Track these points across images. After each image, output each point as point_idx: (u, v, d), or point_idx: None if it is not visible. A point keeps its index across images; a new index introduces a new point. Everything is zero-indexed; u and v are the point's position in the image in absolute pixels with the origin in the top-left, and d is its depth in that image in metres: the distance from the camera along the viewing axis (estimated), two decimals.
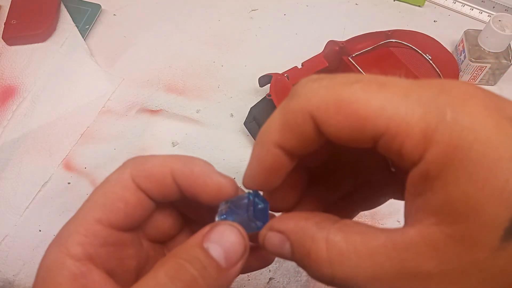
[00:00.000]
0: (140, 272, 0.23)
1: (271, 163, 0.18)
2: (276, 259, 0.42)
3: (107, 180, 0.21)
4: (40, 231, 0.43)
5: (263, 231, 0.19)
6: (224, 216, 0.20)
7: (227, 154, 0.49)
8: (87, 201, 0.21)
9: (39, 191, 0.46)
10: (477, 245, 0.14)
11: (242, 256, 0.19)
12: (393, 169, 0.21)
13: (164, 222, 0.24)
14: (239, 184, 0.22)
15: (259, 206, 0.20)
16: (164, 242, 0.25)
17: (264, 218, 0.20)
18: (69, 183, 0.46)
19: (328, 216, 0.18)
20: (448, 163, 0.14)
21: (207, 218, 0.22)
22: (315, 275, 0.17)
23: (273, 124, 0.18)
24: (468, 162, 0.14)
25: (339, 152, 0.21)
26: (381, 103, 0.15)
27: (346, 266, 0.16)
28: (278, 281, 0.41)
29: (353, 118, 0.15)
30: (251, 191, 0.21)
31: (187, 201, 0.22)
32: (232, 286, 0.41)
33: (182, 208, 0.24)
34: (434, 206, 0.14)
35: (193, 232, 0.22)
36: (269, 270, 0.42)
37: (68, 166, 0.48)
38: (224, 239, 0.19)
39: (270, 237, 0.19)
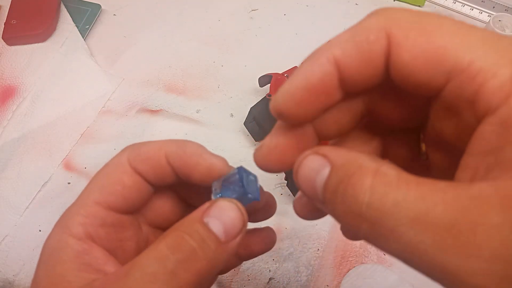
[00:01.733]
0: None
1: (319, 80, 0.16)
2: (276, 259, 0.42)
3: (106, 165, 0.22)
4: (40, 231, 0.43)
5: (306, 153, 0.17)
6: (220, 194, 0.21)
7: (227, 154, 0.48)
8: (88, 185, 0.22)
9: (39, 191, 0.46)
10: None
11: (241, 230, 0.20)
12: (423, 157, 0.19)
13: (163, 206, 0.25)
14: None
15: (250, 177, 0.21)
16: (164, 228, 0.25)
17: (255, 190, 0.21)
18: (69, 183, 0.46)
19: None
20: None
21: (205, 202, 0.23)
22: (345, 205, 0.14)
23: (339, 37, 0.16)
24: None
25: (376, 118, 0.19)
26: (468, 38, 0.14)
27: (389, 198, 0.13)
28: (278, 281, 0.41)
29: (434, 45, 0.14)
30: (239, 166, 0.21)
31: (184, 185, 0.23)
32: (232, 286, 0.41)
33: (181, 192, 0.25)
34: None
35: None
36: (269, 270, 0.42)
37: (68, 166, 0.48)
38: (223, 214, 0.19)
39: (311, 159, 0.16)
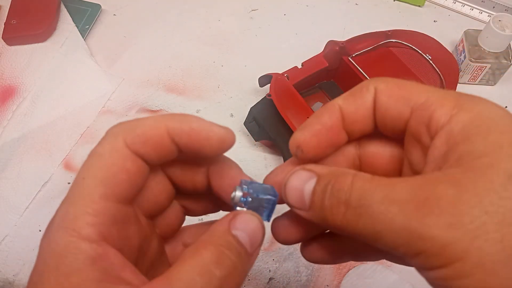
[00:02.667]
0: (140, 251, 0.22)
1: (328, 119, 0.22)
2: (276, 259, 0.42)
3: (97, 153, 0.20)
4: (40, 231, 0.43)
5: (295, 169, 0.21)
6: (246, 199, 0.21)
7: (227, 154, 0.48)
8: (83, 178, 0.20)
9: (39, 191, 0.46)
10: (487, 175, 0.17)
11: (261, 242, 0.21)
12: None
13: (156, 190, 0.23)
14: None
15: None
16: (154, 217, 0.24)
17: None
18: (69, 183, 0.46)
19: None
20: (472, 124, 0.18)
21: (196, 182, 0.23)
22: (332, 199, 0.19)
23: (342, 95, 0.22)
24: (486, 127, 0.18)
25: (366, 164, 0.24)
26: (425, 88, 0.20)
27: (365, 186, 0.18)
28: (278, 281, 0.41)
29: (403, 91, 0.21)
30: (273, 187, 0.22)
31: (178, 163, 0.22)
32: None
33: (167, 170, 0.23)
34: (457, 155, 0.18)
35: (183, 206, 0.25)
36: (269, 270, 0.42)
37: (68, 166, 0.48)
38: (248, 227, 0.20)
39: (299, 173, 0.21)
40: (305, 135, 0.22)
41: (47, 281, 0.18)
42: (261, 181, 0.23)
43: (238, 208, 0.21)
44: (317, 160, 0.23)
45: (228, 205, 0.22)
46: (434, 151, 0.19)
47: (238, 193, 0.21)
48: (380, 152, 0.23)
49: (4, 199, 0.45)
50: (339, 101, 0.22)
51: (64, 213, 0.19)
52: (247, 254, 0.20)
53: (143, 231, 0.22)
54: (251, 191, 0.21)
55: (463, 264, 0.16)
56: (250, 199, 0.21)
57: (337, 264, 0.42)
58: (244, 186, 0.21)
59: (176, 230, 0.25)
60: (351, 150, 0.24)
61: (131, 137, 0.20)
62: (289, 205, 0.21)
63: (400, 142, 0.22)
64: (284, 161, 0.45)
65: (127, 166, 0.20)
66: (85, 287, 0.17)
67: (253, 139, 0.48)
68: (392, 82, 0.21)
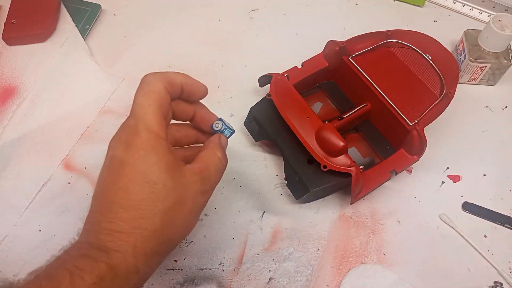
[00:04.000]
0: None
1: None
2: (276, 259, 0.42)
3: (151, 91, 0.32)
4: (40, 231, 0.43)
5: None
6: (223, 128, 0.38)
7: (227, 154, 0.48)
8: (149, 105, 0.31)
9: (39, 191, 0.46)
10: None
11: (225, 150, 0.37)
12: None
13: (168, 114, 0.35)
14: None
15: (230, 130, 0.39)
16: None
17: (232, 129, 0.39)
18: (69, 183, 0.46)
19: None
20: None
21: (186, 114, 0.37)
22: None
23: None
24: None
25: None
26: None
27: None
28: (278, 281, 0.41)
29: None
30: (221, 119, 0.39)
31: (178, 102, 0.36)
32: (232, 286, 0.41)
33: (174, 107, 0.36)
34: None
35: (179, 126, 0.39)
36: (269, 270, 0.42)
37: (68, 166, 0.48)
38: (224, 142, 0.38)
39: None
40: None
41: (146, 157, 0.30)
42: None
43: (217, 132, 0.38)
44: None
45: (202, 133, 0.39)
46: None
47: (221, 125, 0.38)
48: None
49: (4, 199, 0.45)
50: None
51: (144, 125, 0.31)
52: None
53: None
54: (225, 124, 0.38)
55: None
56: (224, 128, 0.38)
57: (337, 264, 0.42)
58: (222, 121, 0.38)
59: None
60: None
61: (166, 82, 0.33)
62: None
63: None
64: (284, 161, 0.45)
65: (167, 97, 0.33)
66: (172, 163, 0.31)
67: (253, 139, 0.48)
68: None
